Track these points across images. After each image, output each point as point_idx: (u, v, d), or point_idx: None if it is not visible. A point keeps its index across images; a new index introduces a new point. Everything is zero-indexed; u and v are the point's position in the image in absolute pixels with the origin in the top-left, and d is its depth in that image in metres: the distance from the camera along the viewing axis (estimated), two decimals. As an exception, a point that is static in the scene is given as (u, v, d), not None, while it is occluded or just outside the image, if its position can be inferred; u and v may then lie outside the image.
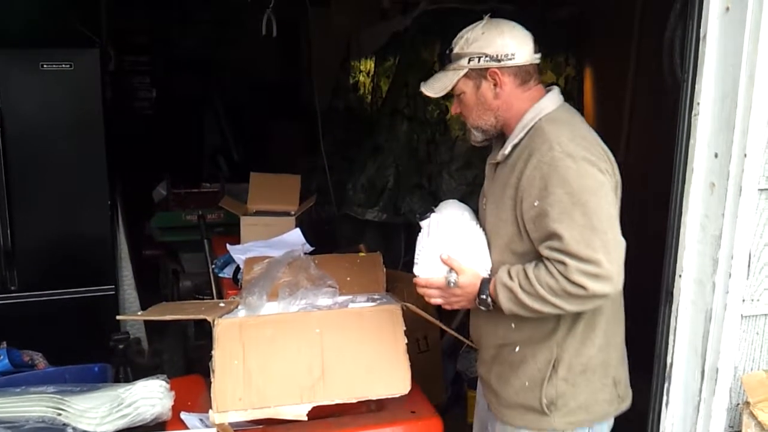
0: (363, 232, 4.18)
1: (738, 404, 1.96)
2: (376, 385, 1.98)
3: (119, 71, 5.76)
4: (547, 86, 1.92)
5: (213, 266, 3.21)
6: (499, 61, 1.80)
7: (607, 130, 4.11)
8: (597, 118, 4.33)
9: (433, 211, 1.96)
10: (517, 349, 1.83)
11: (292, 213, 3.45)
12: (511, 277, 1.72)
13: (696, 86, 1.90)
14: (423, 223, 1.94)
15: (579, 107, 4.39)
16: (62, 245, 3.48)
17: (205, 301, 2.91)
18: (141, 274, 4.22)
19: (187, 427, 1.96)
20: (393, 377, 1.99)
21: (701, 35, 1.88)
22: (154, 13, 6.91)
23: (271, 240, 3.13)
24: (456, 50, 1.85)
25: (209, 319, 2.01)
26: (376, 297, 2.35)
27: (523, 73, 1.84)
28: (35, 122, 3.37)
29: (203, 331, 3.83)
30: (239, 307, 2.24)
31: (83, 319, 3.44)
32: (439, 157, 4.05)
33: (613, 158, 1.84)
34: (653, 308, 2.10)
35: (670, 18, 2.07)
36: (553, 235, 1.66)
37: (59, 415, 1.81)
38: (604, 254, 1.62)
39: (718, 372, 1.92)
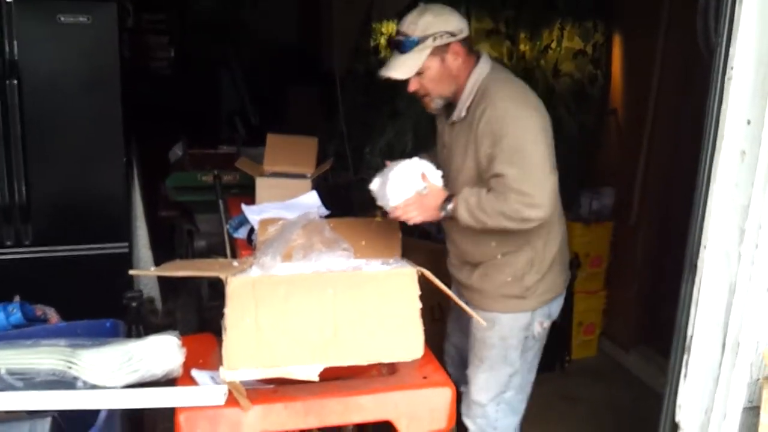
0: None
1: (758, 379, 1.91)
2: (388, 349, 1.95)
3: (138, 30, 5.72)
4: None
5: (228, 226, 3.19)
6: (455, 35, 2.19)
7: (634, 97, 4.08)
8: (625, 85, 4.24)
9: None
10: (499, 257, 2.31)
11: (308, 175, 3.41)
12: (470, 195, 2.18)
13: (730, 50, 1.83)
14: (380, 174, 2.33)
15: (606, 74, 4.30)
16: (77, 201, 3.49)
17: (219, 260, 2.88)
18: (156, 234, 4.23)
19: (197, 384, 1.95)
20: (406, 341, 1.95)
21: (738, -3, 1.80)
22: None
23: (286, 202, 3.10)
24: (417, 34, 2.16)
25: (222, 276, 1.98)
26: (391, 262, 2.32)
27: (469, 43, 2.26)
28: (52, 76, 3.36)
29: (217, 292, 3.83)
30: (253, 267, 2.21)
31: (97, 276, 3.44)
32: (457, 122, 3.99)
33: (544, 109, 2.23)
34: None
35: (706, -21, 1.99)
36: (499, 174, 2.11)
37: (70, 368, 1.80)
38: (535, 188, 2.08)
39: (739, 346, 1.88)
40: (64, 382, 1.78)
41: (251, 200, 3.24)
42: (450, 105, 2.32)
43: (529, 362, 2.45)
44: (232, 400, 1.84)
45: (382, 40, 5.00)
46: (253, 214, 2.91)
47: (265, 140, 3.66)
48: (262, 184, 3.31)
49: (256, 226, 2.70)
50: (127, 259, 3.67)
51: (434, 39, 2.16)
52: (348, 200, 4.34)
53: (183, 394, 1.84)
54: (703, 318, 1.95)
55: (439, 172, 2.30)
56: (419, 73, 2.22)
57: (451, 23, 2.19)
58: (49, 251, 3.47)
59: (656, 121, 3.91)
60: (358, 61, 5.19)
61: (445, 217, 2.26)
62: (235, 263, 2.24)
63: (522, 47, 4.22)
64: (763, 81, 1.77)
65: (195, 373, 2.00)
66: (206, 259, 2.81)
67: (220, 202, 3.52)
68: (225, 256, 3.25)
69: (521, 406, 2.51)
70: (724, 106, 1.85)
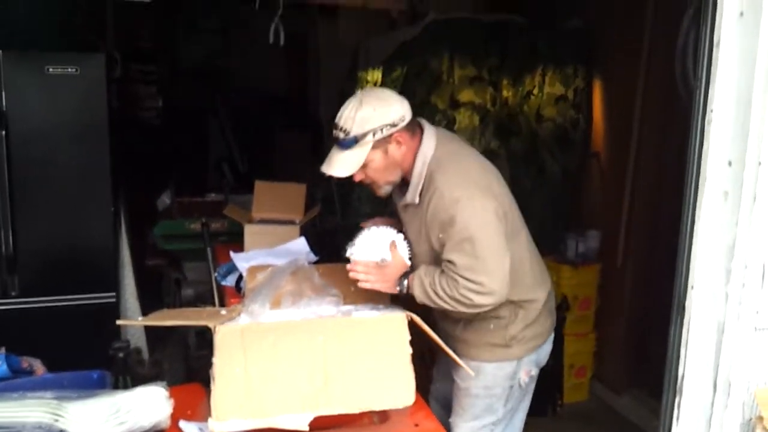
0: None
1: (751, 419, 1.91)
2: (379, 396, 1.93)
3: (126, 80, 5.76)
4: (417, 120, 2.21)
5: (216, 274, 3.18)
6: (396, 125, 2.09)
7: (616, 141, 4.14)
8: (606, 128, 4.30)
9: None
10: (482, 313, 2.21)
11: (297, 222, 3.42)
12: (425, 275, 2.15)
13: (709, 93, 1.87)
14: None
15: (587, 119, 4.37)
16: (64, 251, 3.46)
17: (207, 308, 2.86)
18: (143, 283, 4.19)
19: (185, 436, 1.92)
20: (397, 388, 1.93)
21: (715, 41, 1.86)
22: (161, 22, 6.92)
23: (275, 248, 3.10)
24: (356, 131, 2.07)
25: (210, 325, 1.97)
26: (380, 307, 2.31)
27: (412, 126, 2.16)
28: (40, 126, 3.36)
29: (204, 341, 3.79)
30: (241, 315, 2.20)
31: (84, 327, 3.39)
32: (445, 168, 4.03)
33: (494, 178, 2.20)
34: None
35: (683, 24, 2.05)
36: (450, 261, 2.08)
37: (56, 421, 1.76)
38: (485, 276, 2.04)
39: (730, 386, 1.88)
40: (50, 436, 1.74)
41: (240, 248, 3.23)
42: (402, 182, 2.24)
43: (514, 409, 2.40)
44: (221, 451, 1.81)
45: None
46: (242, 261, 2.91)
47: (253, 187, 3.68)
48: (250, 231, 3.31)
49: (244, 274, 2.69)
50: (114, 309, 3.63)
51: (374, 134, 2.07)
52: (336, 246, 4.35)
53: (171, 446, 1.81)
54: (693, 359, 1.95)
55: (407, 249, 2.27)
56: (363, 166, 2.14)
57: (391, 113, 2.08)
58: (36, 302, 3.42)
59: (638, 163, 3.96)
60: (344, 108, 5.24)
61: (400, 292, 2.22)
62: (224, 311, 2.23)
63: (505, 93, 4.29)
64: (743, 122, 1.81)
65: (183, 424, 1.96)
66: (194, 308, 2.78)
67: (208, 249, 3.51)
68: (213, 304, 3.23)
69: None
70: (705, 148, 1.88)
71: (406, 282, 2.19)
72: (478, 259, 2.04)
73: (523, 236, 2.29)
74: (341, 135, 2.09)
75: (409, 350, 1.96)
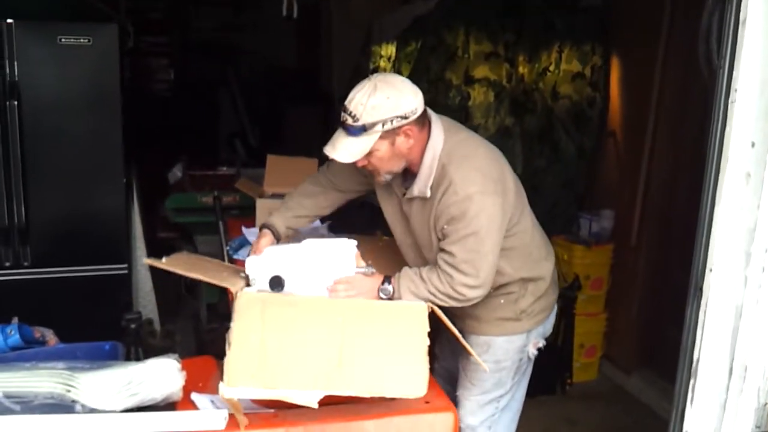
0: (380, 220, 4.12)
1: (765, 404, 1.90)
2: (391, 383, 1.90)
3: (138, 52, 5.74)
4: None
5: (227, 248, 3.17)
6: (407, 118, 2.03)
7: (633, 120, 4.09)
8: (623, 107, 4.25)
9: None
10: (491, 291, 2.23)
11: (309, 197, 3.39)
12: (414, 274, 2.13)
13: (734, 72, 1.83)
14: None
15: (604, 98, 4.32)
16: (76, 222, 3.47)
17: (227, 264, 2.82)
18: (155, 255, 4.19)
19: (197, 408, 1.93)
20: (410, 377, 1.90)
21: (741, 19, 1.81)
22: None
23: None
24: (365, 120, 2.00)
25: (233, 290, 1.96)
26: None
27: (422, 119, 2.11)
28: (52, 97, 3.35)
29: (216, 315, 3.81)
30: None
31: (96, 298, 3.42)
32: (459, 145, 3.99)
33: (503, 162, 2.20)
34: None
35: (707, 2, 2.00)
36: (449, 252, 2.08)
37: (68, 391, 1.77)
38: (480, 271, 2.07)
39: (746, 370, 1.87)
40: (62, 406, 1.75)
41: (251, 222, 3.22)
42: (407, 174, 2.21)
43: (519, 381, 2.43)
44: (232, 424, 1.81)
45: (382, 63, 5.02)
46: (254, 236, 2.89)
47: (264, 161, 3.66)
48: (262, 206, 3.29)
49: (256, 248, 2.67)
50: (126, 280, 3.65)
51: (384, 125, 2.01)
52: (349, 223, 4.33)
53: (183, 419, 1.81)
54: (709, 342, 1.93)
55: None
56: (367, 154, 2.08)
57: (403, 105, 2.02)
58: (48, 272, 3.44)
59: (655, 143, 3.91)
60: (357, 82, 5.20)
61: (387, 299, 2.14)
62: (243, 273, 2.20)
63: (521, 69, 4.24)
64: (767, 103, 1.77)
65: (195, 396, 1.97)
66: (214, 260, 2.74)
67: (220, 223, 3.50)
68: (225, 278, 3.22)
69: (513, 425, 2.50)
70: (728, 129, 1.85)
71: (390, 287, 2.12)
72: (479, 253, 2.06)
73: (527, 213, 2.30)
74: (349, 120, 2.02)
75: (427, 341, 1.93)
